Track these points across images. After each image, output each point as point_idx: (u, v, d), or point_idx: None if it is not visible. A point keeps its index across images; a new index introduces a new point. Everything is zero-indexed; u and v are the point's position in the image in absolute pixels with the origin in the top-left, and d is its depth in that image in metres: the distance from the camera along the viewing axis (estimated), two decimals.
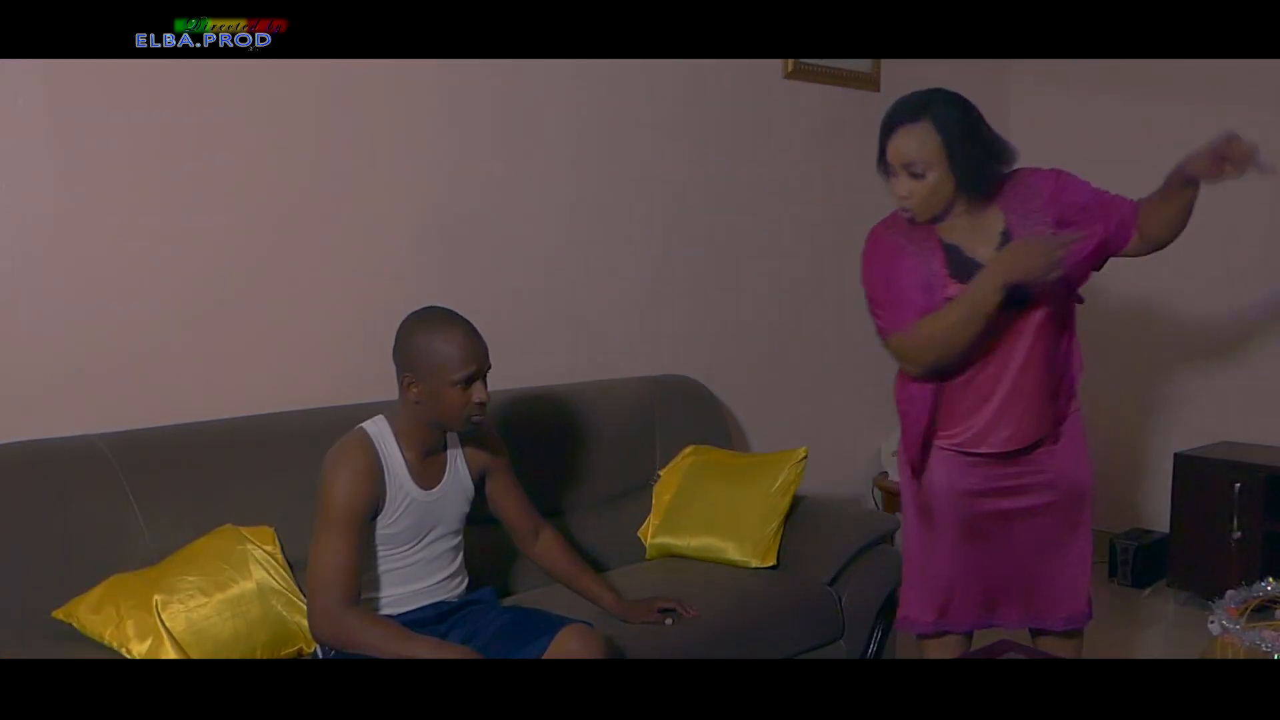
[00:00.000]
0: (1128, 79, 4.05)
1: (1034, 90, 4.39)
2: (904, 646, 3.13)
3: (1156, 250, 2.26)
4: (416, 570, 2.17)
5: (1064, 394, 2.31)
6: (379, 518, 2.09)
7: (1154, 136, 4.05)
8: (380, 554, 2.13)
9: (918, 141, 2.13)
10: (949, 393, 2.27)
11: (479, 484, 2.29)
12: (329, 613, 1.98)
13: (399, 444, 2.12)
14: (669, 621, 2.38)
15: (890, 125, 2.18)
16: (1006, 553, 2.33)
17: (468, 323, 2.09)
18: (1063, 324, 2.26)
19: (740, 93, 3.56)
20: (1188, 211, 2.20)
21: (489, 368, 2.09)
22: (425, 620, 2.13)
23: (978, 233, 2.20)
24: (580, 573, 2.42)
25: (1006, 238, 2.18)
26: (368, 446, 2.08)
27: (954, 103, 2.17)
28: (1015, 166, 2.21)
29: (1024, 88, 4.42)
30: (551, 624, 2.08)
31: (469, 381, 2.05)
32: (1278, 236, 3.77)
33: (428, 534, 2.17)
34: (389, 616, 2.12)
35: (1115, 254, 2.26)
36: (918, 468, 2.35)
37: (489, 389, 2.10)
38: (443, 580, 2.21)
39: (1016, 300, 2.14)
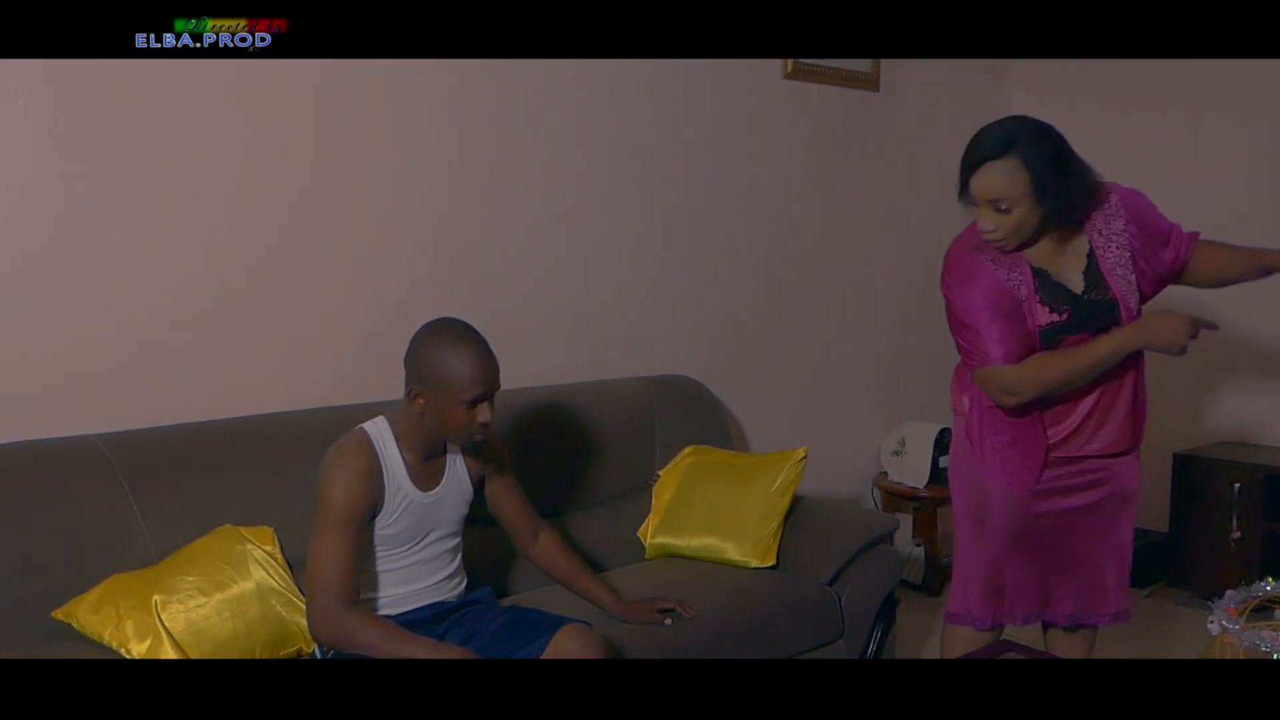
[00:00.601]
0: (1127, 81, 4.04)
1: (1033, 91, 4.39)
2: (903, 647, 3.14)
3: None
4: (415, 571, 2.17)
5: (1141, 404, 2.33)
6: (377, 518, 2.09)
7: (1153, 138, 4.07)
8: (379, 554, 2.13)
9: (1004, 179, 2.08)
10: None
11: (478, 486, 2.29)
12: (327, 613, 1.98)
13: (399, 445, 2.12)
14: (668, 622, 2.38)
15: (975, 160, 2.12)
16: (1061, 549, 2.34)
17: (482, 341, 2.07)
18: None
19: (740, 93, 3.55)
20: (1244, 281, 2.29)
21: (497, 388, 2.08)
22: (424, 620, 2.13)
23: (1064, 255, 2.20)
24: (579, 573, 2.42)
25: (1092, 260, 2.19)
26: (366, 447, 2.08)
27: (1041, 137, 2.11)
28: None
29: (1023, 89, 4.42)
30: (550, 624, 2.08)
31: (476, 402, 2.04)
32: (1276, 241, 3.76)
33: (426, 535, 2.17)
34: (387, 617, 2.12)
35: (1176, 277, 2.32)
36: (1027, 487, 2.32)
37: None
38: (441, 581, 2.21)
39: (1089, 327, 2.19)
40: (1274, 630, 2.02)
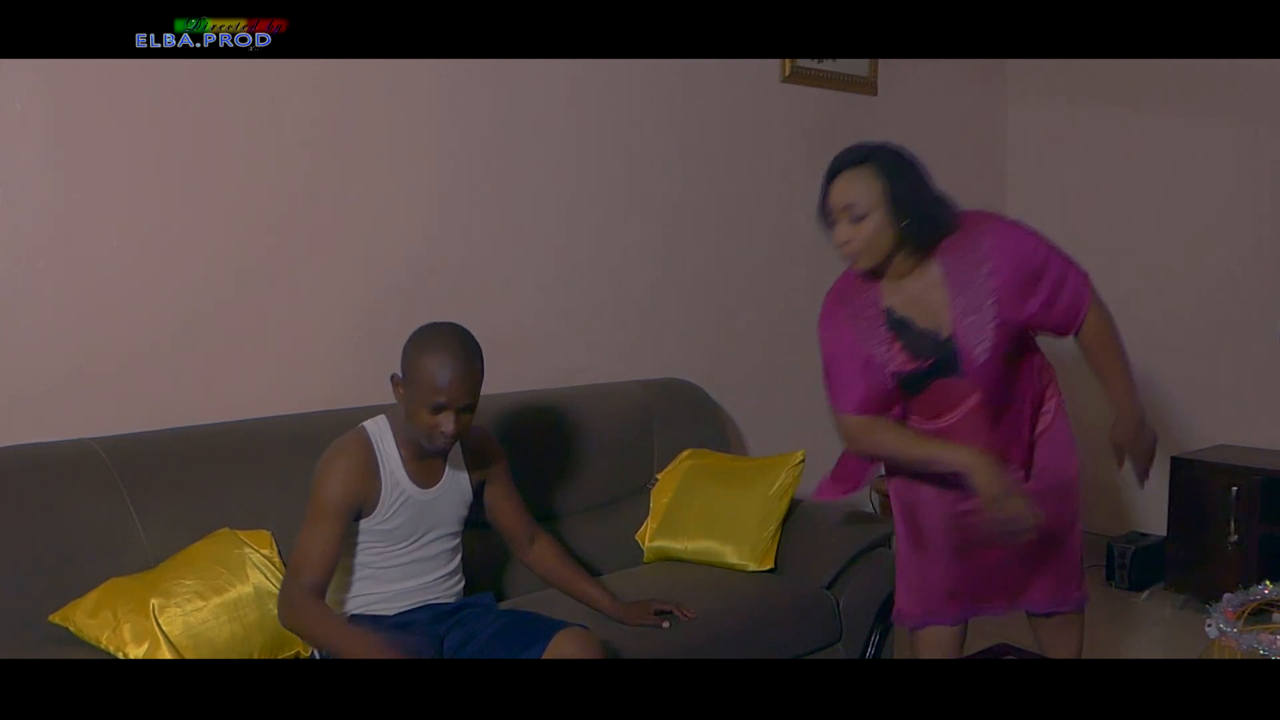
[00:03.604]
0: (1126, 82, 4.06)
1: (1031, 94, 4.40)
2: (902, 649, 3.14)
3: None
4: (412, 568, 2.17)
5: (1032, 415, 2.35)
6: (374, 514, 2.10)
7: (1152, 140, 4.08)
8: (377, 550, 2.14)
9: (861, 184, 2.12)
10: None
11: (478, 490, 2.29)
12: (291, 598, 2.01)
13: (397, 441, 2.14)
14: (666, 624, 2.38)
15: (833, 171, 2.18)
16: (997, 553, 2.33)
17: (465, 355, 2.05)
18: (1013, 372, 2.27)
19: (737, 96, 3.56)
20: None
21: (467, 404, 2.05)
22: (421, 621, 2.13)
23: (922, 294, 2.19)
24: (575, 576, 2.42)
25: (947, 297, 2.17)
26: (364, 444, 2.11)
27: (898, 154, 2.17)
28: (958, 213, 2.20)
29: (1020, 92, 4.43)
30: (548, 627, 2.08)
31: (438, 409, 2.03)
32: (1275, 240, 3.77)
33: (425, 533, 2.18)
34: (384, 616, 2.12)
35: (1050, 334, 2.31)
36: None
37: (474, 417, 2.10)
38: (438, 579, 2.21)
39: (949, 371, 2.19)
40: (1272, 633, 2.02)
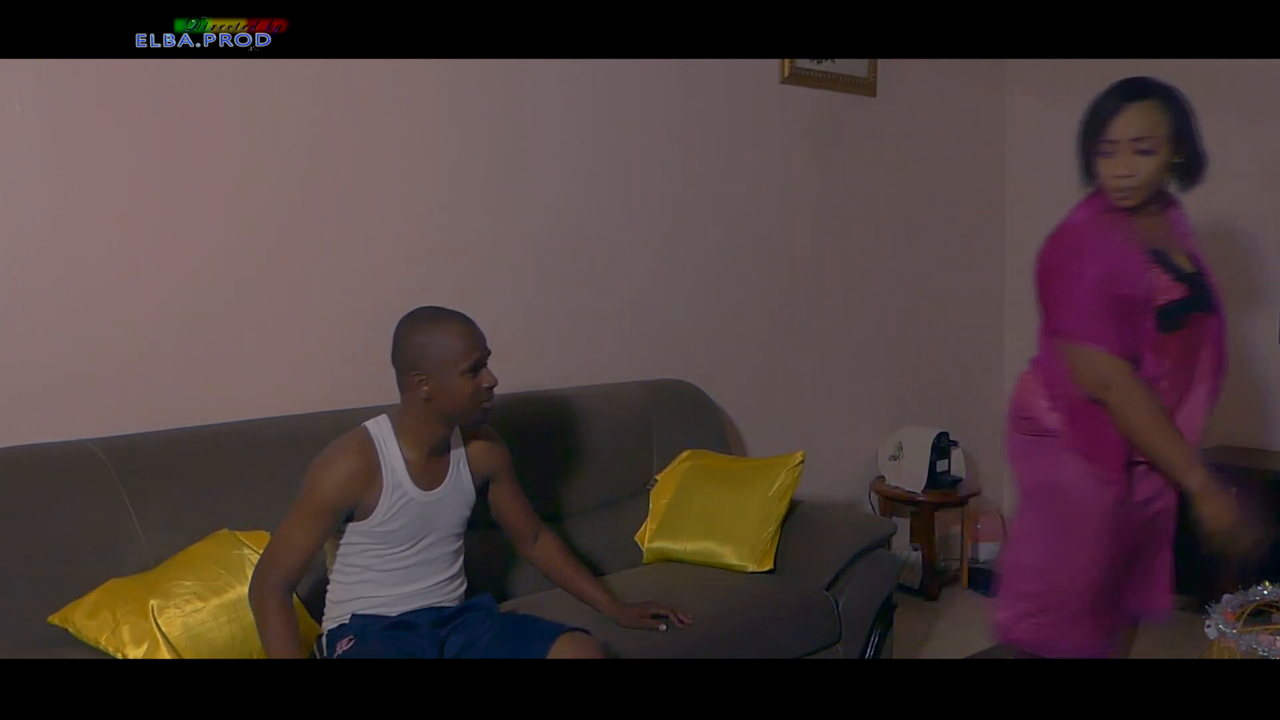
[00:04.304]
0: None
1: (1031, 92, 4.40)
2: (901, 651, 3.14)
3: None
4: (414, 572, 2.16)
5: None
6: (372, 515, 2.09)
7: None
8: (377, 553, 2.13)
9: (1151, 118, 2.12)
10: None
11: (481, 489, 2.29)
12: (260, 587, 2.02)
13: (400, 443, 2.13)
14: (662, 628, 2.37)
15: (1116, 104, 2.15)
16: (1138, 550, 2.33)
17: (461, 313, 2.13)
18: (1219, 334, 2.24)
19: (737, 97, 3.56)
20: None
21: (490, 352, 2.13)
22: (423, 625, 2.13)
23: (1167, 236, 2.22)
24: (576, 575, 2.42)
25: (1180, 239, 2.23)
26: (366, 444, 2.10)
27: (1175, 93, 2.18)
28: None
29: (1019, 93, 4.43)
30: (549, 631, 2.08)
31: (477, 368, 2.08)
32: (1276, 240, 3.78)
33: (426, 536, 2.17)
34: (384, 616, 2.11)
35: None
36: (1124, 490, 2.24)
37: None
38: (440, 582, 2.20)
39: (1205, 305, 2.17)
40: (1271, 634, 2.02)
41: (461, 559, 2.27)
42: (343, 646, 2.07)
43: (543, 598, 2.53)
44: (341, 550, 2.14)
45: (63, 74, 2.31)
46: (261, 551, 2.23)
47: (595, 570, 2.66)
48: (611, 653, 2.22)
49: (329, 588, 2.19)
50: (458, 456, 2.23)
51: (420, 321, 2.11)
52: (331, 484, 2.04)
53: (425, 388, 2.08)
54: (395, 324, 2.86)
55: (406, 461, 2.13)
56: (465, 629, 2.16)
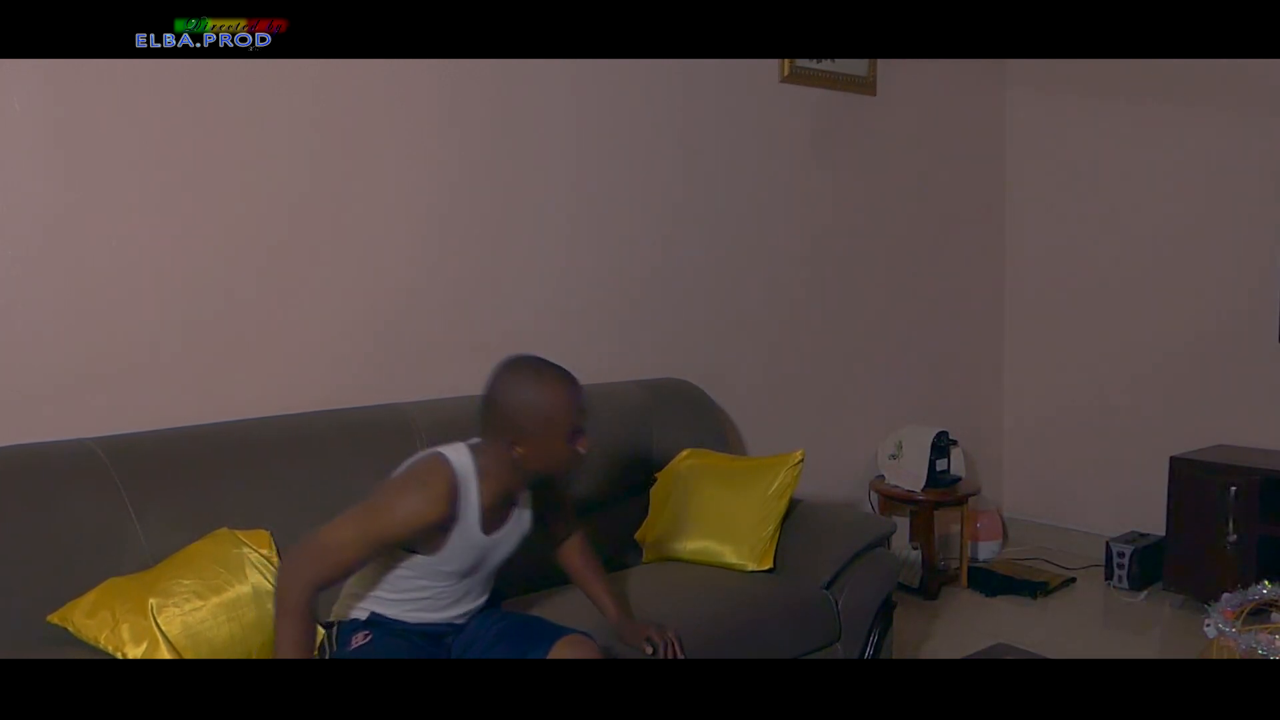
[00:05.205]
0: (1126, 79, 4.06)
1: (1030, 94, 4.41)
2: (900, 650, 3.14)
3: None
4: (449, 603, 2.12)
5: None
6: (434, 555, 2.02)
7: (1151, 137, 4.08)
8: (420, 583, 2.07)
9: None
10: None
11: (538, 515, 2.23)
12: (292, 583, 1.91)
13: (480, 487, 2.02)
14: (649, 651, 2.30)
15: None
16: None
17: (566, 372, 2.02)
18: None
19: (737, 96, 3.56)
20: None
21: (587, 414, 2.04)
22: (437, 635, 2.12)
23: None
24: (592, 579, 2.39)
25: None
26: (450, 491, 1.97)
27: None
28: None
29: (1019, 91, 4.44)
30: (550, 632, 2.08)
31: (576, 435, 2.00)
32: (1275, 238, 3.77)
33: (476, 570, 2.12)
34: (403, 623, 2.07)
35: None
36: None
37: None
38: (468, 610, 2.16)
39: None
40: (1270, 633, 2.02)
41: (493, 583, 2.22)
42: (358, 641, 2.04)
43: (545, 598, 2.53)
44: (382, 562, 2.06)
45: (63, 74, 2.31)
46: (260, 551, 2.24)
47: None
48: (611, 654, 2.21)
49: (352, 578, 2.11)
50: (524, 498, 2.16)
51: (523, 378, 1.99)
52: (403, 521, 1.92)
53: (519, 449, 1.98)
54: (395, 324, 2.88)
55: (482, 510, 2.03)
56: (467, 629, 2.16)
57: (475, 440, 2.06)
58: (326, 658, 2.08)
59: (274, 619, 1.95)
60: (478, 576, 2.14)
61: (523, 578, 2.62)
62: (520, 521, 2.15)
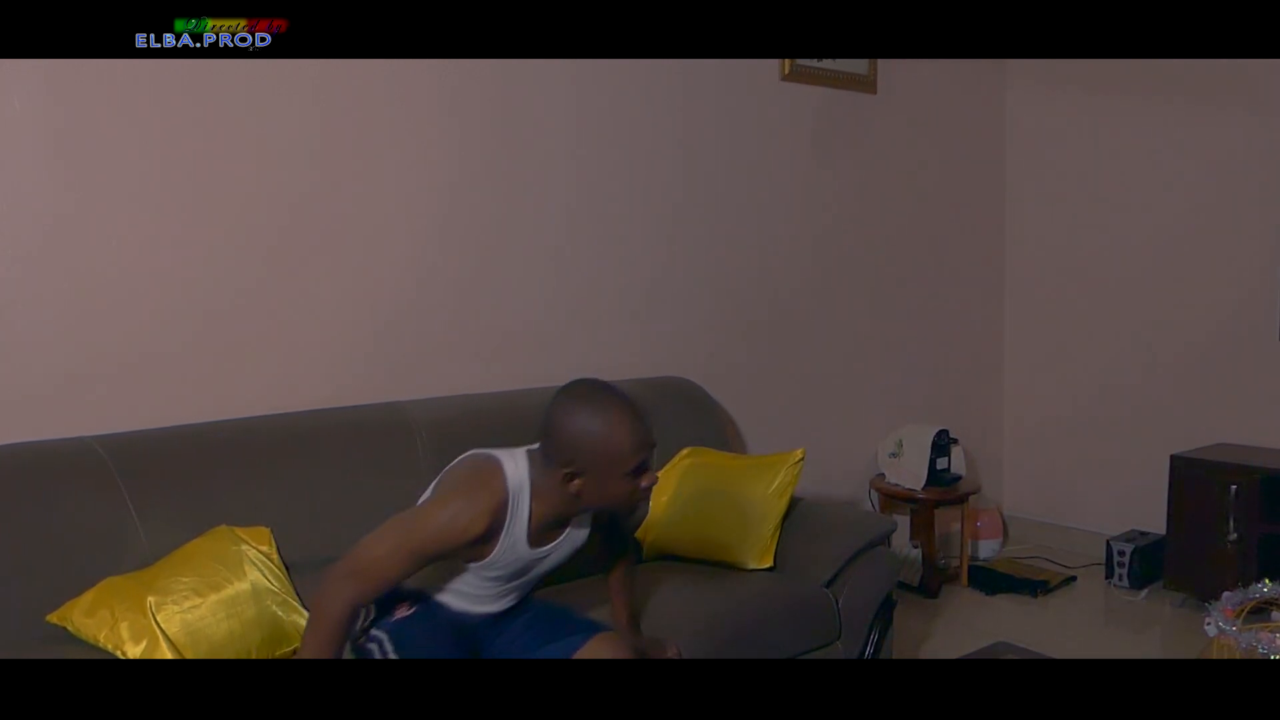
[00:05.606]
0: (1126, 76, 4.06)
1: (1030, 92, 4.40)
2: (901, 649, 3.14)
3: None
4: (492, 598, 2.07)
5: None
6: (478, 561, 1.95)
7: (1152, 134, 4.08)
8: (464, 579, 2.01)
9: None
10: None
11: (596, 530, 2.15)
12: (334, 595, 1.84)
13: (532, 504, 1.91)
14: None
15: None
16: None
17: (630, 401, 1.89)
18: None
19: (737, 94, 3.56)
20: None
21: (655, 446, 1.91)
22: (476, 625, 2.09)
23: None
24: (617, 589, 2.33)
25: None
26: (498, 505, 1.87)
27: None
28: None
29: (1020, 89, 4.43)
30: (581, 626, 2.04)
31: (640, 471, 1.88)
32: (1276, 236, 3.77)
33: (522, 576, 2.05)
34: (447, 608, 2.03)
35: None
36: None
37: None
38: (511, 605, 2.12)
39: None
40: (1271, 632, 2.02)
41: (539, 585, 2.17)
42: (401, 611, 2.00)
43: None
44: None
45: (63, 74, 2.31)
46: (260, 548, 2.25)
47: (595, 567, 2.66)
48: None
49: None
50: (582, 523, 2.06)
51: (584, 408, 1.86)
52: (444, 537, 1.84)
53: (577, 483, 1.86)
54: (395, 322, 2.87)
55: (530, 527, 1.93)
56: (501, 616, 2.11)
57: (537, 447, 1.94)
58: (364, 623, 2.02)
59: (305, 632, 1.89)
60: (522, 582, 2.07)
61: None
62: (573, 538, 2.05)
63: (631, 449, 1.85)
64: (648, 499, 1.96)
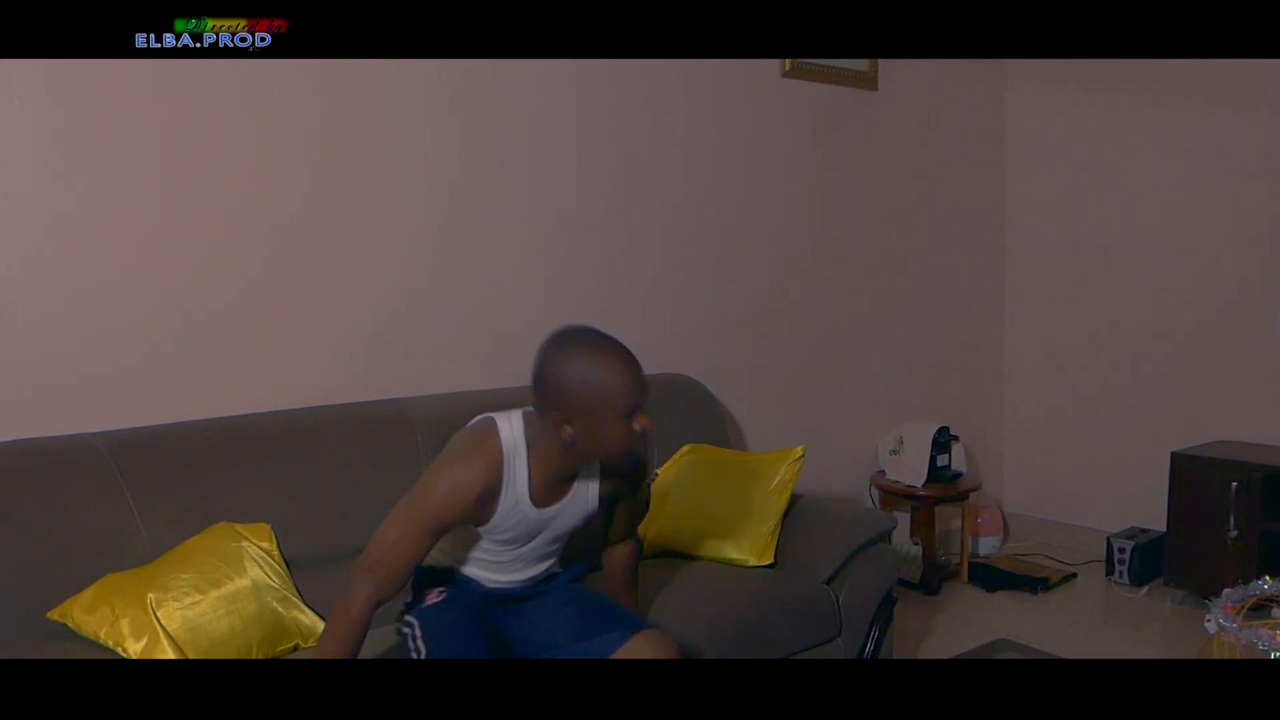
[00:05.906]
0: (1126, 74, 4.05)
1: (1031, 90, 4.40)
2: (901, 646, 3.14)
3: None
4: (512, 565, 2.06)
5: None
6: (486, 524, 1.95)
7: (1152, 132, 4.07)
8: (483, 543, 2.02)
9: None
10: None
11: (608, 500, 2.14)
12: (355, 592, 1.85)
13: (530, 460, 1.92)
14: None
15: None
16: None
17: (620, 344, 1.89)
18: None
19: (738, 92, 3.56)
20: None
21: (647, 391, 1.88)
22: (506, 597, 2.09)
23: None
24: (621, 589, 2.33)
25: None
26: (493, 465, 1.88)
27: None
28: None
29: (1021, 87, 4.43)
30: (624, 622, 2.02)
31: (633, 413, 1.85)
32: (1276, 234, 3.77)
33: (534, 539, 2.04)
34: (480, 584, 2.03)
35: None
36: None
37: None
38: (533, 575, 2.10)
39: None
40: (1271, 629, 2.02)
41: (560, 550, 2.15)
42: (431, 598, 2.02)
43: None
44: None
45: (63, 74, 2.32)
46: (260, 544, 2.26)
47: (595, 565, 2.66)
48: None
49: None
50: (589, 475, 2.04)
51: (572, 352, 1.86)
52: (449, 501, 1.85)
53: (569, 429, 1.86)
54: (396, 320, 2.88)
55: (531, 484, 1.93)
56: (543, 603, 2.11)
57: (531, 409, 1.95)
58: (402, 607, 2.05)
59: (324, 630, 1.90)
60: (534, 546, 2.05)
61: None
62: (582, 497, 2.03)
63: (622, 388, 1.83)
64: (644, 445, 1.90)
